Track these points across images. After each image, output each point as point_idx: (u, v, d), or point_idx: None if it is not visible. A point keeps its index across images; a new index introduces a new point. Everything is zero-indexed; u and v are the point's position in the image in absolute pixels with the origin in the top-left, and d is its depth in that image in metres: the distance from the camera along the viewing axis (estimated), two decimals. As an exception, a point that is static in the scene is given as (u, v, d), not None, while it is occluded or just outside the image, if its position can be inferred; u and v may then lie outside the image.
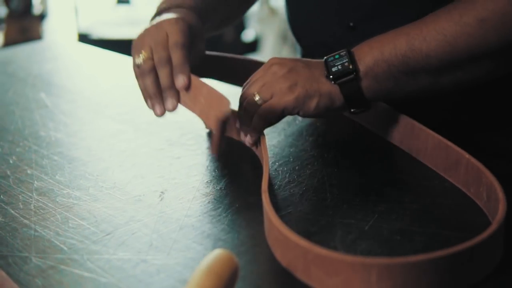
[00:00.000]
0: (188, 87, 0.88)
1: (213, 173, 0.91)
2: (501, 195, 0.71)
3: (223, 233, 0.75)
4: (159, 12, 0.99)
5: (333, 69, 0.86)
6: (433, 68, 0.84)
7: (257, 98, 0.86)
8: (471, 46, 0.82)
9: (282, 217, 0.76)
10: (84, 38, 3.13)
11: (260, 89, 0.87)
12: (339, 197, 0.82)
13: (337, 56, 0.86)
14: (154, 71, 0.89)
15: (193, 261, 0.69)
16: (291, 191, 0.83)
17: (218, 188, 0.86)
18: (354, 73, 0.85)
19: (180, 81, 0.88)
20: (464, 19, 0.81)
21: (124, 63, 1.52)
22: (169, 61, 0.88)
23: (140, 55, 0.90)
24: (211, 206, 0.81)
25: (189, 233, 0.75)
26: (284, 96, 0.85)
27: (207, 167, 0.93)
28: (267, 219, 0.72)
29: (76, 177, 0.90)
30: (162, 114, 0.90)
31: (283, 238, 0.67)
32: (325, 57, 0.88)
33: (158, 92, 0.90)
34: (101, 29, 3.25)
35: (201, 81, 0.88)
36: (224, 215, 0.79)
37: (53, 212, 0.81)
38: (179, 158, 0.96)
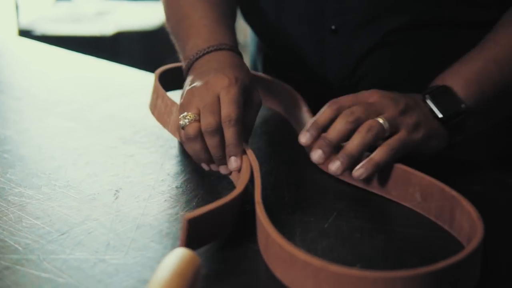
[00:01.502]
0: (240, 169, 0.82)
1: (168, 171, 0.90)
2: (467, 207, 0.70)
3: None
4: (199, 55, 0.91)
5: (441, 109, 0.83)
6: None
7: (386, 126, 0.79)
8: None
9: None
10: (25, 34, 3.06)
11: (388, 118, 0.80)
12: (297, 195, 0.82)
13: (434, 92, 0.85)
14: (201, 137, 0.82)
15: (152, 261, 0.68)
16: (247, 189, 0.83)
17: (174, 186, 0.85)
18: (465, 113, 0.84)
19: (233, 164, 0.82)
20: None
21: (70, 58, 1.50)
22: (217, 129, 0.81)
23: (186, 116, 0.82)
24: (168, 205, 0.80)
25: (146, 232, 0.74)
26: (412, 134, 0.81)
27: (162, 165, 0.92)
28: (263, 234, 0.68)
29: (28, 176, 0.88)
30: (227, 172, 0.85)
31: (287, 256, 0.63)
32: (424, 94, 0.85)
33: (210, 156, 0.84)
34: (42, 25, 3.19)
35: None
36: (181, 213, 0.78)
37: (6, 211, 0.78)
38: (132, 156, 0.94)
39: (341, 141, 0.80)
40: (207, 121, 0.81)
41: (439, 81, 0.88)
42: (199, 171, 0.89)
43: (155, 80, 0.99)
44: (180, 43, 0.98)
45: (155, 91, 0.97)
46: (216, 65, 0.87)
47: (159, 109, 0.94)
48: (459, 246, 0.71)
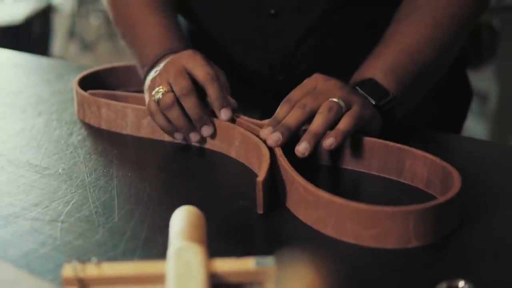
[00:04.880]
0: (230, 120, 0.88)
1: (124, 146, 0.93)
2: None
3: (163, 196, 0.78)
4: (157, 59, 0.95)
5: (374, 97, 0.89)
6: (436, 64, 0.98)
7: (341, 104, 0.83)
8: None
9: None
10: None
11: (341, 97, 0.84)
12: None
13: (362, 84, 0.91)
14: (177, 103, 0.86)
15: (145, 223, 0.72)
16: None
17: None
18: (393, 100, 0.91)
19: (226, 114, 0.87)
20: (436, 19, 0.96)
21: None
22: (192, 89, 0.86)
23: (158, 89, 0.87)
24: (138, 175, 0.84)
25: (128, 199, 0.77)
26: (364, 110, 0.85)
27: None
28: (288, 180, 0.74)
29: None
30: (198, 140, 0.89)
31: (311, 197, 0.70)
32: (353, 86, 0.90)
33: (189, 122, 0.88)
34: None
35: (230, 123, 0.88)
36: (154, 180, 0.82)
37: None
38: (82, 135, 0.96)
39: (297, 129, 0.83)
40: (181, 85, 0.85)
41: (358, 76, 0.94)
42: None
43: (77, 91, 1.01)
44: (135, 49, 1.01)
45: (88, 102, 0.99)
46: (179, 53, 0.92)
47: (106, 118, 0.97)
48: (413, 191, 0.80)
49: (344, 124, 0.82)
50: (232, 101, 0.90)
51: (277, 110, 0.86)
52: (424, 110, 1.07)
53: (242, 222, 0.73)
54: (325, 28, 1.07)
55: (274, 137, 0.81)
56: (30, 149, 0.91)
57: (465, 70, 1.23)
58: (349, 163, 0.86)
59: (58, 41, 4.10)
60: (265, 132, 0.83)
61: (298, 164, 0.77)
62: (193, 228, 0.62)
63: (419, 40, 0.95)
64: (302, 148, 0.80)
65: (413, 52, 0.94)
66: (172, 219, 0.63)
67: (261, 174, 0.73)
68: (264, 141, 0.82)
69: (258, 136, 0.84)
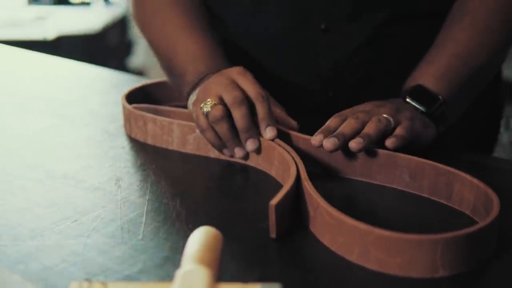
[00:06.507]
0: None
1: (163, 161, 0.92)
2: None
3: (191, 213, 0.77)
4: (201, 76, 0.95)
5: (423, 104, 0.90)
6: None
7: (391, 119, 0.85)
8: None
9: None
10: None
11: (389, 114, 0.86)
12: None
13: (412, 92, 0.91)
14: (226, 117, 0.85)
15: (169, 241, 0.71)
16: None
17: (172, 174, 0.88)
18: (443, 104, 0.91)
19: (272, 132, 0.86)
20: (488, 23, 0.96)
21: (38, 60, 1.50)
22: (245, 100, 0.85)
23: (207, 102, 0.86)
24: (172, 191, 0.83)
25: (156, 216, 0.76)
26: (413, 123, 0.86)
27: (154, 156, 0.94)
28: (312, 206, 0.73)
29: (25, 169, 0.89)
30: (244, 155, 0.89)
31: (335, 222, 0.68)
32: (403, 96, 0.92)
33: (236, 136, 0.87)
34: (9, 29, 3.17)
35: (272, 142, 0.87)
36: (187, 196, 0.81)
37: (13, 203, 0.80)
38: (124, 148, 0.97)
39: (351, 137, 0.83)
40: (234, 94, 0.85)
41: (411, 82, 0.95)
42: (193, 159, 0.92)
43: (125, 106, 1.01)
44: (175, 67, 1.01)
45: (135, 117, 0.99)
46: (227, 69, 0.91)
47: (153, 133, 0.97)
48: (461, 216, 0.77)
49: (398, 130, 0.84)
50: (294, 122, 0.91)
51: (327, 122, 0.86)
52: (457, 127, 1.04)
53: (263, 244, 0.71)
54: (376, 42, 1.05)
55: (331, 140, 0.81)
56: (70, 161, 0.92)
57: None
58: (400, 184, 0.84)
59: (138, 52, 4.14)
60: (316, 139, 0.83)
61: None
62: (206, 250, 0.61)
63: (471, 45, 0.96)
64: (354, 144, 0.81)
65: (465, 56, 0.95)
66: (189, 239, 0.62)
67: (277, 197, 0.71)
68: (296, 163, 0.80)
69: (300, 155, 0.83)
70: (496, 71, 1.05)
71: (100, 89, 1.27)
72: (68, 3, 3.94)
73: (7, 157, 0.93)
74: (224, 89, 0.86)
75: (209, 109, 0.85)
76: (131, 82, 1.25)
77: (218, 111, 0.85)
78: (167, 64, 1.03)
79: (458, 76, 0.94)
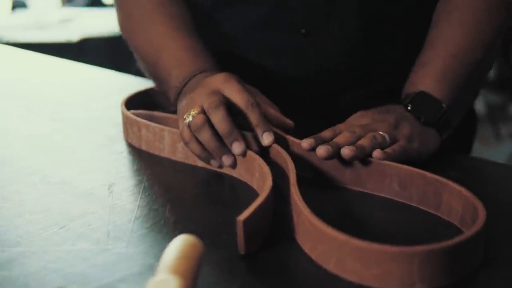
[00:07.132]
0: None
1: (160, 167, 0.92)
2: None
3: (180, 221, 0.77)
4: (186, 81, 0.95)
5: (426, 114, 0.89)
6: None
7: (386, 137, 0.84)
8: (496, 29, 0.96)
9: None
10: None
11: (386, 132, 0.85)
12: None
13: (413, 100, 0.90)
14: (208, 123, 0.83)
15: (154, 249, 0.71)
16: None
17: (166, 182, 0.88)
18: (447, 111, 0.90)
19: (269, 138, 0.84)
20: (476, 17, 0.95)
21: (43, 62, 1.51)
22: (222, 103, 0.83)
23: (189, 112, 0.84)
24: (163, 197, 0.83)
25: (144, 222, 0.76)
26: (410, 143, 0.86)
27: (150, 162, 0.94)
28: (296, 212, 0.72)
29: (22, 174, 0.90)
30: (232, 162, 0.86)
31: (314, 230, 0.67)
32: (405, 104, 0.91)
33: (221, 144, 0.85)
34: (5, 33, 3.18)
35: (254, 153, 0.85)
36: (177, 202, 0.81)
37: (5, 206, 0.80)
38: (122, 153, 0.97)
39: None
40: (210, 100, 0.83)
41: (411, 87, 0.93)
42: (186, 167, 0.92)
43: (123, 112, 1.01)
44: (161, 72, 1.01)
45: (130, 123, 0.99)
46: (211, 75, 0.90)
47: (146, 139, 0.97)
48: (450, 226, 0.75)
49: (390, 149, 0.83)
50: (289, 121, 0.89)
51: (321, 132, 0.86)
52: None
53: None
54: (358, 46, 1.05)
55: (324, 148, 0.81)
56: (67, 166, 0.92)
57: None
58: (390, 193, 0.82)
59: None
60: (307, 142, 0.83)
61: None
62: (183, 259, 0.60)
63: (463, 41, 0.94)
64: (347, 150, 0.80)
65: (460, 53, 0.94)
66: (167, 248, 0.62)
67: (245, 213, 0.68)
68: (284, 169, 0.79)
69: (293, 159, 0.82)
70: (491, 67, 1.03)
71: (109, 93, 1.28)
72: (102, 5, 3.98)
73: (5, 161, 0.94)
74: (205, 96, 0.85)
75: (191, 119, 0.84)
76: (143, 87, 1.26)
77: (199, 119, 0.83)
78: (152, 69, 1.03)
79: (457, 77, 0.93)
